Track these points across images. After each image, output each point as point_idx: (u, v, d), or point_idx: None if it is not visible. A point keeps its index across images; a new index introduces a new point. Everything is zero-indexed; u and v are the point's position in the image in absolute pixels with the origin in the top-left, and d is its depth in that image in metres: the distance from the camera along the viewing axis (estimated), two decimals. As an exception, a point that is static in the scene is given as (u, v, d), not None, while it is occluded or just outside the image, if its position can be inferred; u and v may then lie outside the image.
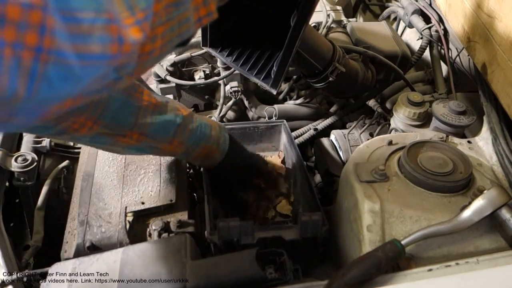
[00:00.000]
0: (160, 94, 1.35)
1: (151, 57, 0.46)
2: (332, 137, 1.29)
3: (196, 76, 1.37)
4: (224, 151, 0.94)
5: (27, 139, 1.10)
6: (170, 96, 1.35)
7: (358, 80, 1.20)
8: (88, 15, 0.37)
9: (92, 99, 0.50)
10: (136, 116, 0.75)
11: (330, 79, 1.12)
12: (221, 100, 1.39)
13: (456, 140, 0.99)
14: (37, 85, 0.36)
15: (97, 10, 0.37)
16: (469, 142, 0.99)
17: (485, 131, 1.00)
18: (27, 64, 0.35)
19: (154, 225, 0.87)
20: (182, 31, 0.49)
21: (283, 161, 1.17)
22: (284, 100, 1.46)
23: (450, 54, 1.37)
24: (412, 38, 1.66)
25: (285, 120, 1.18)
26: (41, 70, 0.36)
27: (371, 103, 1.35)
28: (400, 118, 1.13)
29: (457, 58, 1.33)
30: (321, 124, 1.35)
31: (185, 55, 1.34)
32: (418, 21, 1.46)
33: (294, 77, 1.43)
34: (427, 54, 1.44)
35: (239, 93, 1.35)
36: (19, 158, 1.01)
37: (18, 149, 1.09)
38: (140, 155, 0.98)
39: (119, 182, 0.94)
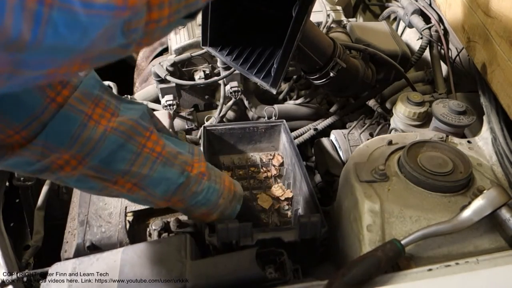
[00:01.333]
0: (160, 94, 1.36)
1: (158, 26, 0.46)
2: (332, 137, 1.30)
3: (196, 76, 1.37)
4: (231, 218, 0.85)
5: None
6: (170, 96, 1.35)
7: (359, 77, 1.20)
8: None
9: (99, 65, 0.49)
10: (131, 163, 0.67)
11: (331, 74, 1.11)
12: (221, 100, 1.39)
13: (456, 140, 0.99)
14: (42, 29, 0.36)
15: None
16: (469, 142, 0.99)
17: (485, 131, 1.00)
18: (32, 6, 0.34)
19: (154, 225, 0.87)
20: (190, 2, 0.49)
21: (282, 162, 1.17)
22: (284, 100, 1.46)
23: (450, 54, 1.37)
24: (412, 38, 1.66)
25: (284, 120, 1.18)
26: (46, 14, 0.35)
27: (371, 103, 1.35)
28: (400, 118, 1.13)
29: (457, 58, 1.33)
30: (321, 124, 1.36)
31: (185, 55, 1.34)
32: (418, 21, 1.46)
33: (294, 77, 1.43)
34: (427, 54, 1.44)
35: (239, 93, 1.35)
36: (19, 158, 1.01)
37: (18, 149, 1.09)
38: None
39: (119, 182, 0.94)
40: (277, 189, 1.09)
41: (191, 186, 0.76)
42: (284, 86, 1.46)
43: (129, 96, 1.44)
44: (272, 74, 1.00)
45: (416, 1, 1.50)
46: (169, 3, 0.45)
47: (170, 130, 1.04)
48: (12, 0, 0.33)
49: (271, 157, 1.19)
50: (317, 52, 1.10)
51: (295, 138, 1.30)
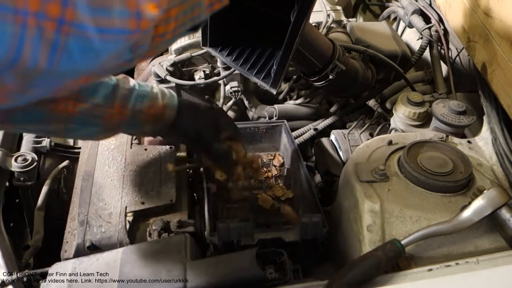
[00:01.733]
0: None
1: (163, 40, 0.47)
2: (332, 137, 1.29)
3: (196, 76, 1.37)
4: (174, 105, 0.85)
5: (27, 139, 1.10)
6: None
7: (358, 79, 1.20)
8: None
9: (103, 77, 0.50)
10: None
11: (330, 77, 1.12)
12: (221, 100, 1.39)
13: (456, 140, 0.99)
14: (58, 57, 0.36)
15: None
16: (469, 142, 0.99)
17: (485, 131, 1.00)
18: (50, 35, 0.35)
19: (154, 225, 0.87)
20: (194, 15, 0.50)
21: (283, 162, 1.17)
22: (284, 100, 1.46)
23: (450, 54, 1.37)
24: (412, 38, 1.66)
25: (285, 121, 1.18)
26: (62, 42, 0.36)
27: (371, 103, 1.35)
28: (400, 118, 1.13)
29: (457, 58, 1.33)
30: (321, 124, 1.35)
31: (185, 55, 1.34)
32: (418, 21, 1.46)
33: (294, 77, 1.43)
34: (427, 54, 1.44)
35: (239, 93, 1.35)
36: (19, 158, 1.01)
37: (18, 149, 1.09)
38: (89, 137, 0.87)
39: (119, 182, 0.94)
40: (277, 189, 1.09)
41: (124, 85, 0.78)
42: (284, 86, 1.46)
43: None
44: (272, 76, 1.00)
45: (416, 1, 1.50)
46: (175, 17, 0.46)
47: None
48: (32, 30, 0.34)
49: (272, 157, 1.19)
50: (316, 55, 1.10)
51: (295, 138, 1.30)
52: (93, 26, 0.37)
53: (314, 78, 1.16)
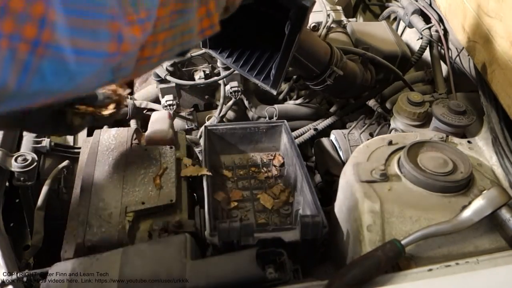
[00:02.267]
0: (160, 94, 1.36)
1: (149, 63, 0.45)
2: (332, 137, 1.29)
3: (196, 76, 1.37)
4: None
5: (27, 139, 1.10)
6: (170, 96, 1.35)
7: (357, 82, 1.21)
8: (93, 9, 0.36)
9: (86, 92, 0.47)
10: None
11: (328, 82, 1.12)
12: (221, 100, 1.39)
13: (456, 140, 0.99)
14: (29, 78, 0.35)
15: (102, 4, 0.36)
16: (469, 142, 0.99)
17: (485, 131, 1.00)
18: (22, 56, 0.34)
19: (154, 225, 0.87)
20: (184, 41, 0.48)
21: (283, 162, 1.17)
22: (284, 100, 1.46)
23: (450, 54, 1.37)
24: (412, 38, 1.66)
25: (285, 121, 1.18)
26: (35, 64, 0.35)
27: (371, 103, 1.35)
28: (400, 118, 1.13)
29: (457, 58, 1.33)
30: (321, 124, 1.36)
31: (185, 55, 1.34)
32: (418, 21, 1.46)
33: (294, 77, 1.43)
34: (427, 54, 1.44)
35: (239, 93, 1.35)
36: (19, 158, 1.01)
37: (18, 149, 1.09)
38: None
39: (119, 182, 0.94)
40: (277, 190, 1.09)
41: None
42: (284, 86, 1.46)
43: (129, 96, 1.44)
44: (272, 78, 1.00)
45: (416, 1, 1.50)
46: (163, 41, 0.44)
47: (170, 130, 1.04)
48: (3, 51, 0.33)
49: (272, 157, 1.19)
50: (314, 61, 1.11)
51: (295, 138, 1.30)
52: (71, 47, 0.36)
53: (313, 83, 1.16)
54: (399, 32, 1.72)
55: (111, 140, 1.03)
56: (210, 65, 1.40)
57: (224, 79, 1.32)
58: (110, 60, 0.39)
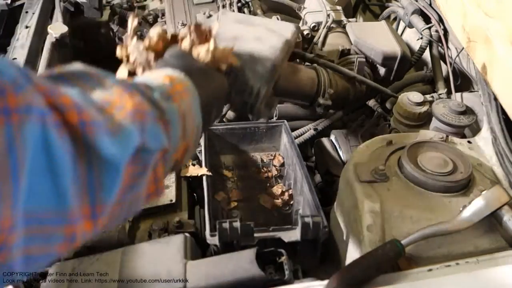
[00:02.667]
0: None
1: (91, 231, 0.43)
2: (332, 137, 1.29)
3: (196, 76, 1.37)
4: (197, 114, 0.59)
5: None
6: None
7: (350, 98, 1.24)
8: (54, 215, 0.35)
9: None
10: None
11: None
12: (221, 100, 1.39)
13: (456, 140, 0.99)
14: None
15: (62, 210, 0.35)
16: (469, 142, 0.99)
17: (485, 131, 1.00)
18: None
19: (154, 225, 0.87)
20: (132, 209, 0.48)
21: (283, 162, 1.17)
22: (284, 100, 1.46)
23: (450, 54, 1.37)
24: (412, 38, 1.65)
25: (285, 121, 1.18)
26: None
27: (371, 103, 1.35)
28: (400, 118, 1.13)
29: (457, 58, 1.33)
30: (321, 124, 1.35)
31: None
32: (418, 21, 1.46)
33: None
34: (427, 54, 1.44)
35: (239, 93, 1.35)
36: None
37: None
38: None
39: (119, 182, 0.94)
40: (277, 190, 1.09)
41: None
42: (284, 86, 1.46)
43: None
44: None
45: (416, 1, 1.50)
46: (111, 213, 0.42)
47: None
48: None
49: (272, 157, 1.19)
50: (300, 97, 1.18)
51: (295, 138, 1.30)
52: (21, 257, 0.34)
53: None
54: (399, 32, 1.72)
55: (111, 140, 1.03)
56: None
57: (224, 79, 1.32)
58: (57, 255, 0.39)
